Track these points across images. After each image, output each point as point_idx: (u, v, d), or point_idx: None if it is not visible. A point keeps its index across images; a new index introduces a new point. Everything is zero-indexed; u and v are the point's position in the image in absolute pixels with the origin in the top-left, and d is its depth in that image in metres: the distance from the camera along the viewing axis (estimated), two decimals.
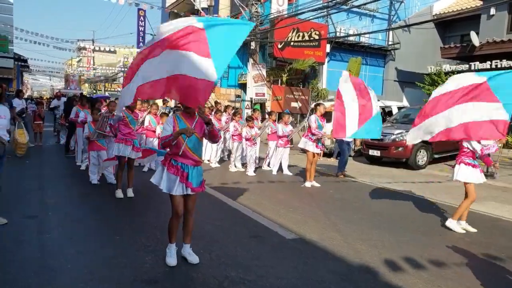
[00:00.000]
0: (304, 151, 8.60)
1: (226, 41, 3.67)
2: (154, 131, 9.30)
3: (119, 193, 6.47)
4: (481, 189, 8.17)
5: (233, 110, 11.39)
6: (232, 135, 9.92)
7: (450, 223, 5.38)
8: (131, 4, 19.72)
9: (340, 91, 7.20)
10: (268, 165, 10.08)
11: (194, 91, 3.59)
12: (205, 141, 4.30)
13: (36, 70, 46.22)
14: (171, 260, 3.83)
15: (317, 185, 8.07)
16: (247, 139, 9.49)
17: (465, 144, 5.35)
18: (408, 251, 4.50)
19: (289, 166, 9.66)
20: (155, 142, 9.21)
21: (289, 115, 10.11)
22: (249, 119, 9.91)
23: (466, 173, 5.29)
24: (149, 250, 4.21)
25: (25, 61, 33.97)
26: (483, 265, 4.18)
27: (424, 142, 10.85)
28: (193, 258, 3.91)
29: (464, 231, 5.28)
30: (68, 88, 47.62)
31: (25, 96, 26.01)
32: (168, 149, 3.86)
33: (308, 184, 7.98)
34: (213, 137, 3.91)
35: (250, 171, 9.23)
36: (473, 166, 5.29)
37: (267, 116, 10.76)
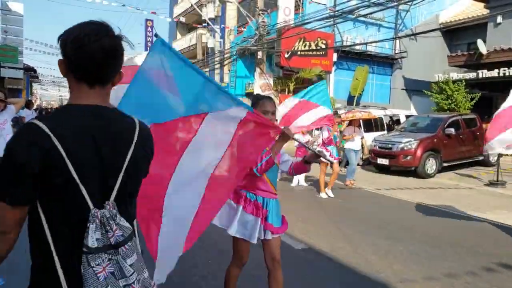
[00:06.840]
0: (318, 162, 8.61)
1: None
2: None
3: None
4: (492, 198, 8.12)
5: None
6: None
7: None
8: (140, 12, 19.97)
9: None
10: None
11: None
12: None
13: (45, 80, 46.78)
14: None
15: (331, 195, 8.02)
16: None
17: None
18: (418, 261, 4.46)
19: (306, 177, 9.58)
20: None
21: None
22: None
23: None
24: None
25: (35, 71, 34.38)
26: (494, 275, 4.12)
27: (432, 150, 10.86)
28: None
29: None
30: None
31: (34, 107, 26.35)
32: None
33: (323, 195, 7.96)
34: None
35: None
36: None
37: None
